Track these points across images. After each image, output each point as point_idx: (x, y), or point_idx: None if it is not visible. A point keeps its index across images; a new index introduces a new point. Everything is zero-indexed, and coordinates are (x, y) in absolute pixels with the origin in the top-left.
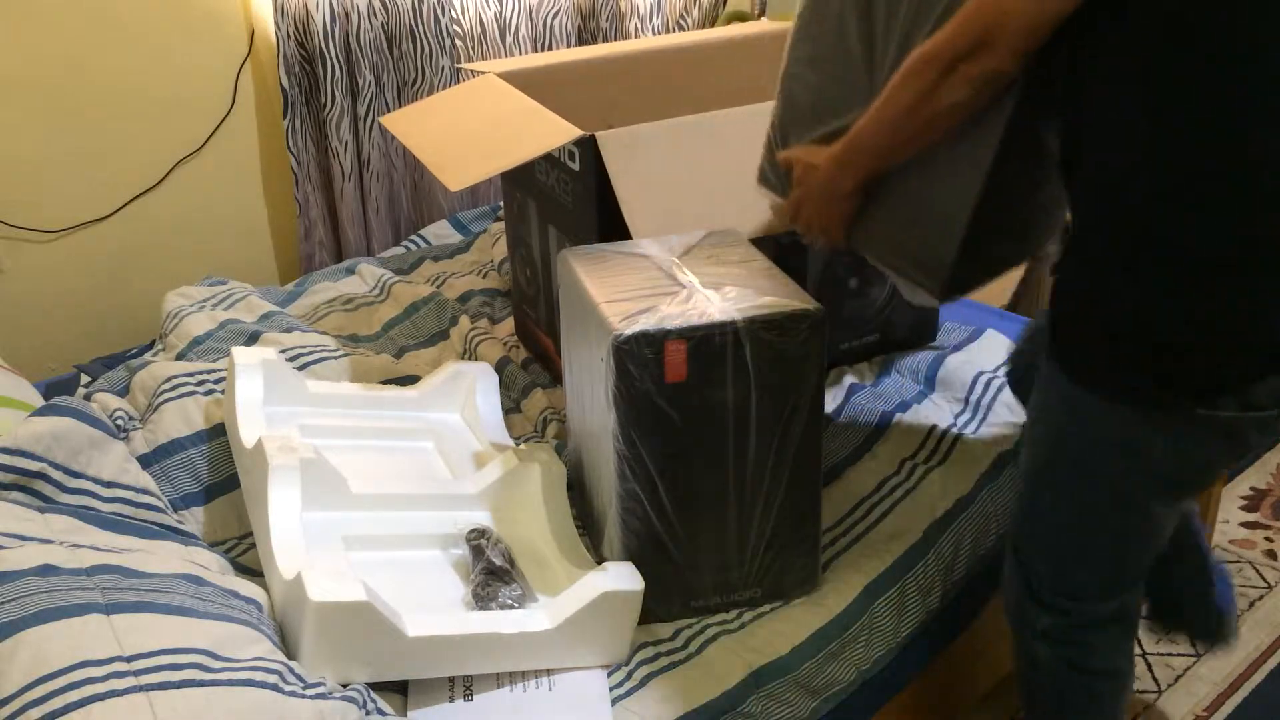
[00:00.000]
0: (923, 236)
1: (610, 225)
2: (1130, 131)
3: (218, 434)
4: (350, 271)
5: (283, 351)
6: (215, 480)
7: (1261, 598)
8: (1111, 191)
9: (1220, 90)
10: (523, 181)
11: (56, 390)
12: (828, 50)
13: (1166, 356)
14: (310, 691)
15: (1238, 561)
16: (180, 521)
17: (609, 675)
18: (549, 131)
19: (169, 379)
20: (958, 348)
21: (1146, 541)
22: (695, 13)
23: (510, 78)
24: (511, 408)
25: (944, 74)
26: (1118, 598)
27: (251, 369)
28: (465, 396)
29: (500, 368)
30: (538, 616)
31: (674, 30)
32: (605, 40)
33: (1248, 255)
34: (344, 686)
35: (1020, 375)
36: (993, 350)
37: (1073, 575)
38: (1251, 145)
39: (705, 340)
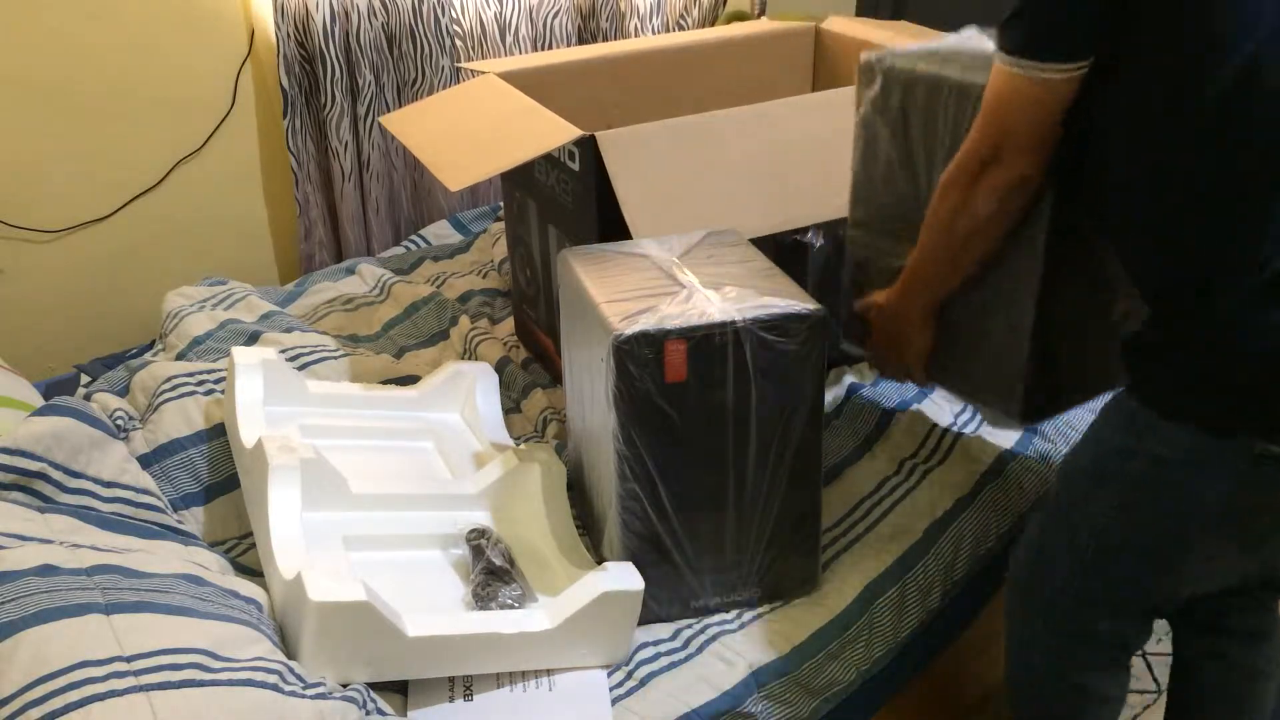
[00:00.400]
0: (988, 367)
1: (610, 225)
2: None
3: (218, 434)
4: (350, 271)
5: (283, 351)
6: (215, 480)
7: None
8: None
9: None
10: (523, 181)
11: (56, 390)
12: (879, 202)
13: (1230, 386)
14: (310, 691)
15: None
16: (180, 521)
17: (609, 675)
18: (549, 131)
19: (169, 379)
20: None
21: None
22: (695, 13)
23: (510, 78)
24: (511, 408)
25: (969, 189)
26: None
27: (251, 369)
28: (465, 396)
29: (500, 368)
30: (538, 616)
31: (674, 30)
32: (605, 40)
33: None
34: (344, 686)
35: None
36: None
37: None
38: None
39: (705, 340)
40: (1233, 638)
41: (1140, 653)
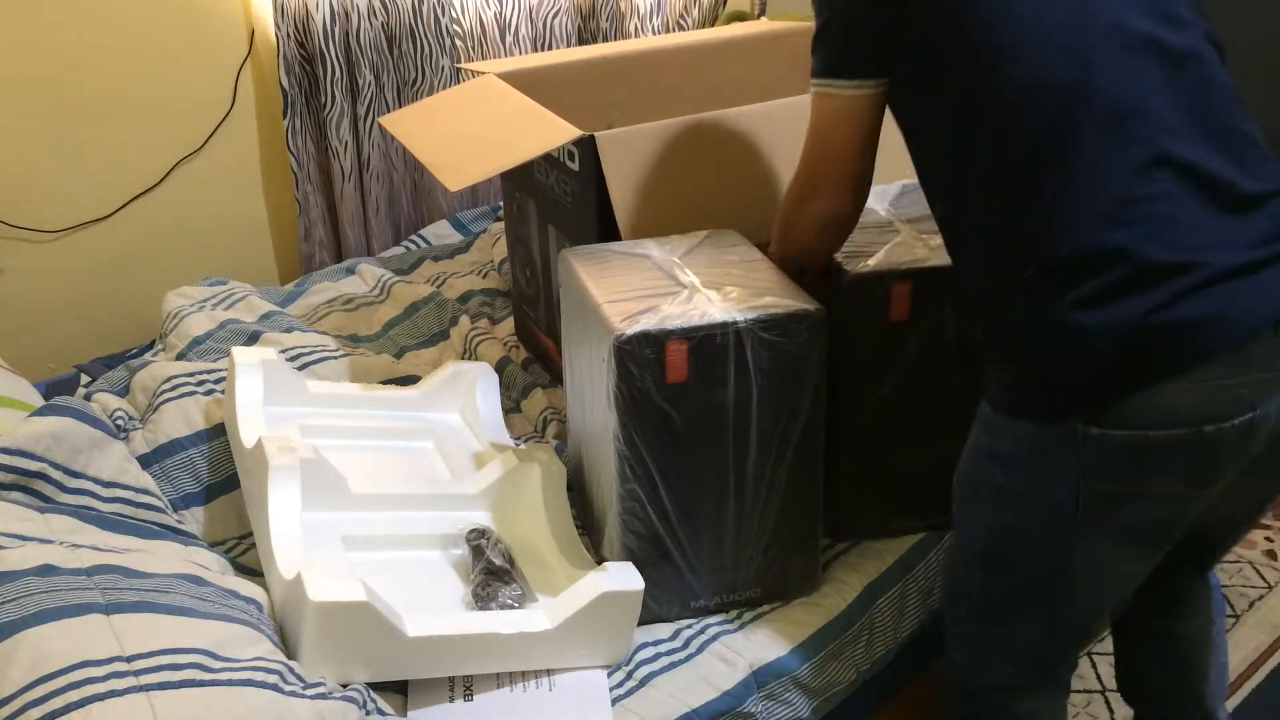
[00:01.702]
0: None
1: (610, 225)
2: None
3: (218, 434)
4: (350, 271)
5: (283, 351)
6: (215, 480)
7: (1261, 598)
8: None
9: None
10: (522, 181)
11: (56, 390)
12: None
13: (1046, 372)
14: (310, 691)
15: (1238, 561)
16: (180, 521)
17: (609, 675)
18: (549, 131)
19: (169, 379)
20: None
21: (1083, 602)
22: (695, 13)
23: (510, 78)
24: (511, 408)
25: (793, 217)
26: (1052, 673)
27: (251, 369)
28: (465, 396)
29: (500, 368)
30: (538, 616)
31: (674, 30)
32: (605, 40)
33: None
34: (344, 686)
35: None
36: None
37: (999, 660)
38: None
39: (706, 340)
40: (1167, 616)
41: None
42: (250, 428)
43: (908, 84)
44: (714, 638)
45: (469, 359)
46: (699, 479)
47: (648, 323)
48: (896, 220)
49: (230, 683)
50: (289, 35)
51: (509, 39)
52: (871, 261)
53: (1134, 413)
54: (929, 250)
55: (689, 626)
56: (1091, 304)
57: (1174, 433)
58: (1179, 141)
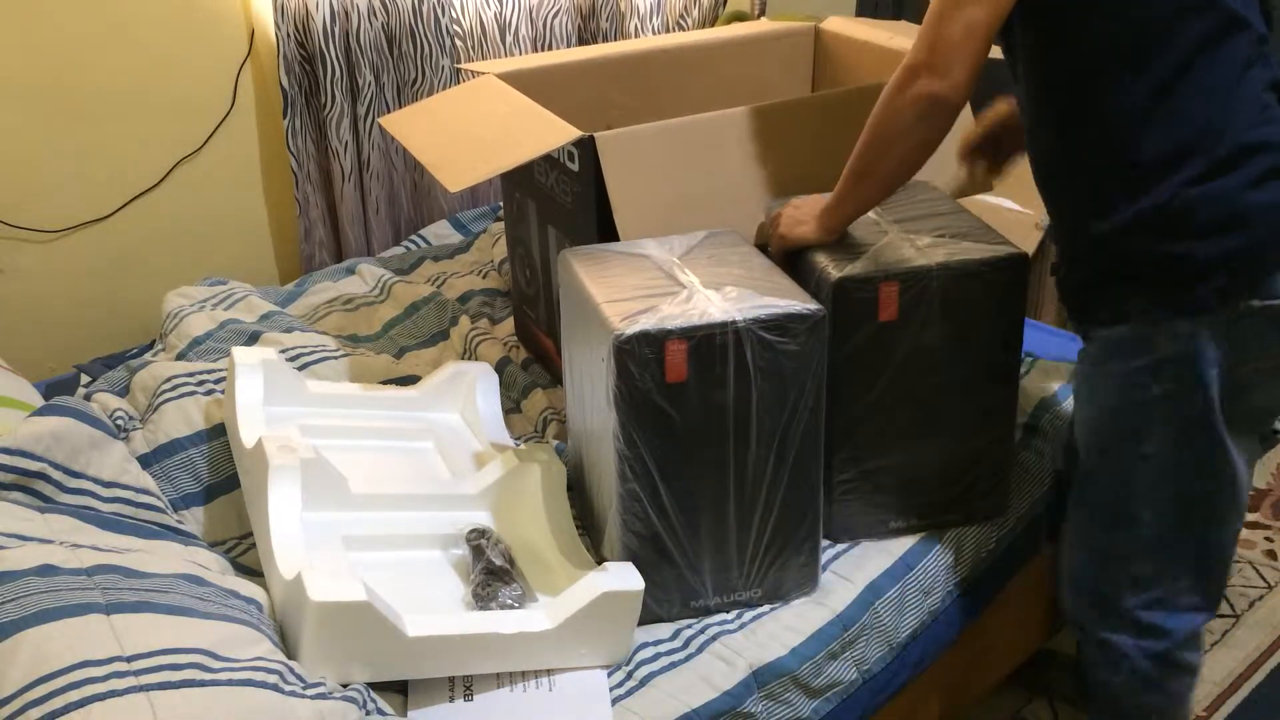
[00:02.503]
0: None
1: (610, 225)
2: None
3: (218, 434)
4: (350, 271)
5: (283, 351)
6: (215, 480)
7: (1261, 598)
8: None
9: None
10: (522, 182)
11: (56, 390)
12: None
13: (1214, 256)
14: (310, 691)
15: (1238, 561)
16: (180, 521)
17: (609, 675)
18: (549, 132)
19: (169, 379)
20: None
21: (1233, 493)
22: (695, 13)
23: (510, 78)
24: (511, 408)
25: (896, 96)
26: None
27: (252, 369)
28: (465, 396)
29: (500, 368)
30: (538, 616)
31: (674, 30)
32: (605, 40)
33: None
34: (344, 686)
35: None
36: None
37: (1170, 564)
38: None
39: (706, 340)
40: None
41: None
42: (250, 428)
43: None
44: (714, 638)
45: (469, 359)
46: (699, 479)
47: (647, 323)
48: (884, 221)
49: (230, 683)
50: (289, 35)
51: (509, 39)
52: (860, 263)
53: None
54: (916, 251)
55: (689, 626)
56: (1256, 185)
57: None
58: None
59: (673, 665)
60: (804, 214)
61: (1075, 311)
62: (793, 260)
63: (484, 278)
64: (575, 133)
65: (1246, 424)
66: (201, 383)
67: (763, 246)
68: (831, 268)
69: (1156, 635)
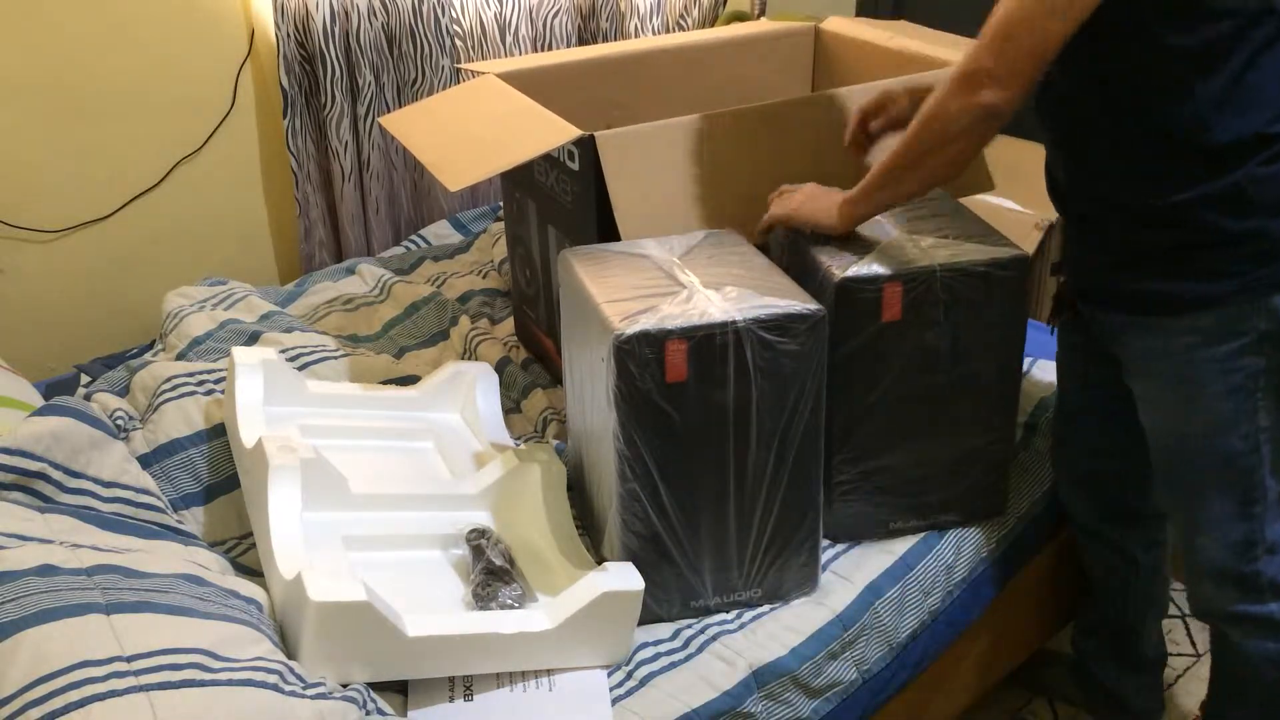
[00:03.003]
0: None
1: (610, 225)
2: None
3: (218, 434)
4: (350, 271)
5: (283, 351)
6: (215, 480)
7: None
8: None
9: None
10: (522, 181)
11: (56, 390)
12: None
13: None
14: (310, 691)
15: None
16: (180, 521)
17: (609, 675)
18: (549, 131)
19: (169, 379)
20: None
21: None
22: (695, 13)
23: (510, 78)
24: (511, 408)
25: (950, 100)
26: None
27: (252, 369)
28: (465, 396)
29: (500, 368)
30: (538, 616)
31: (674, 30)
32: (605, 40)
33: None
34: (344, 686)
35: None
36: None
37: None
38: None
39: (706, 340)
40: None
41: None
42: (250, 428)
43: None
44: (714, 638)
45: (469, 359)
46: (699, 479)
47: (647, 323)
48: (887, 221)
49: (230, 683)
50: (289, 35)
51: (509, 39)
52: (863, 263)
53: None
54: (920, 251)
55: (689, 626)
56: None
57: None
58: None
59: (673, 665)
60: (822, 202)
61: (1142, 310)
62: (797, 254)
63: (484, 278)
64: (575, 132)
65: None
66: (201, 383)
67: (764, 246)
68: (835, 267)
69: None
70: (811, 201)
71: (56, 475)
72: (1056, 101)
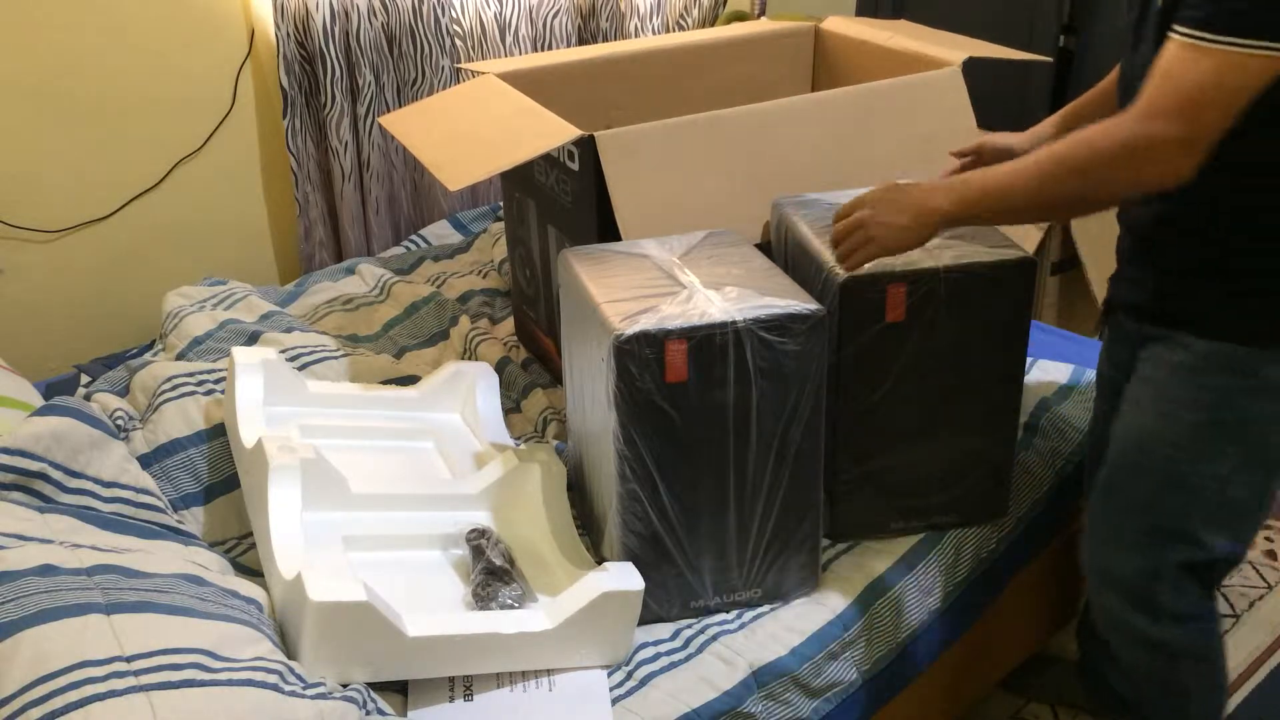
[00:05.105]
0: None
1: (610, 225)
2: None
3: (218, 434)
4: (350, 271)
5: (283, 351)
6: (215, 480)
7: (1262, 598)
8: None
9: None
10: (522, 182)
11: (56, 390)
12: None
13: None
14: (310, 691)
15: None
16: (180, 521)
17: (609, 675)
18: (549, 131)
19: (169, 379)
20: None
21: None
22: (695, 13)
23: (510, 78)
24: (511, 408)
25: (1118, 169)
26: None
27: (252, 369)
28: (465, 396)
29: (500, 368)
30: (538, 616)
31: (674, 30)
32: (605, 40)
33: None
34: (344, 686)
35: None
36: None
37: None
38: None
39: (706, 340)
40: None
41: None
42: (250, 428)
43: None
44: (714, 638)
45: (469, 359)
46: (699, 479)
47: (647, 323)
48: None
49: (230, 683)
50: (289, 35)
51: (509, 39)
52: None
53: None
54: (924, 252)
55: (689, 626)
56: None
57: None
58: None
59: (673, 665)
60: (913, 215)
61: (1165, 316)
62: (799, 254)
63: (484, 278)
64: (575, 132)
65: None
66: (201, 383)
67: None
68: (839, 268)
69: (1195, 619)
70: (899, 231)
71: (56, 475)
72: None
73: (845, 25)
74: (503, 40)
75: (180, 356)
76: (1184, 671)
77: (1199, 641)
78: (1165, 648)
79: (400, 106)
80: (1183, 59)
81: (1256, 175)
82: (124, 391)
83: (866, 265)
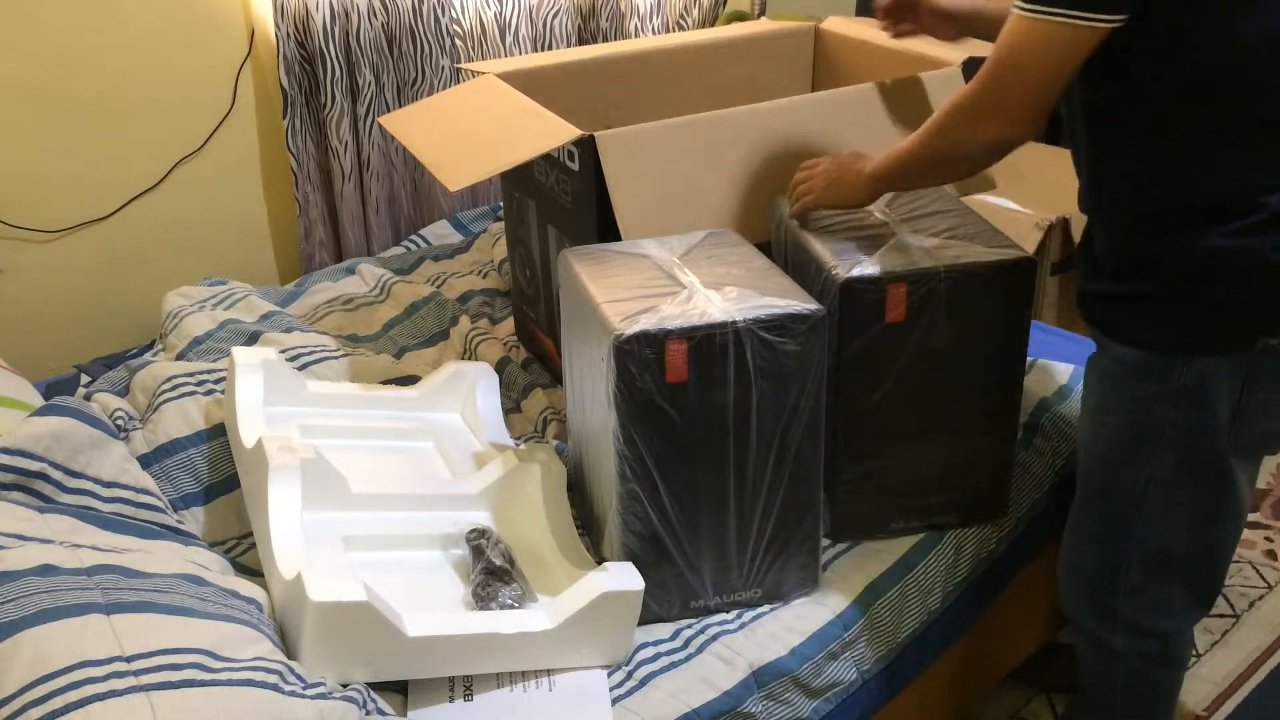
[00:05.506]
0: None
1: (610, 225)
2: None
3: (218, 434)
4: (350, 271)
5: (283, 351)
6: (215, 480)
7: (1262, 598)
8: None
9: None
10: (522, 181)
11: (56, 390)
12: None
13: (1228, 297)
14: (310, 691)
15: (1238, 561)
16: (180, 521)
17: (609, 675)
18: (549, 131)
19: (169, 379)
20: None
21: (1234, 511)
22: (695, 13)
23: (510, 78)
24: (511, 408)
25: (961, 132)
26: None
27: (251, 369)
28: (465, 396)
29: (500, 368)
30: (538, 616)
31: (674, 30)
32: (605, 40)
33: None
34: (344, 686)
35: None
36: None
37: (1168, 568)
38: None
39: (706, 340)
40: None
41: None
42: (250, 428)
43: (1150, 21)
44: (714, 638)
45: (469, 359)
46: (699, 479)
47: (647, 323)
48: (892, 221)
49: (230, 683)
50: (289, 35)
51: (509, 39)
52: (867, 263)
53: None
54: (924, 252)
55: (689, 626)
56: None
57: None
58: None
59: (673, 665)
60: (847, 180)
61: (1094, 321)
62: (799, 254)
63: (484, 278)
64: (575, 132)
65: (1252, 447)
66: (201, 383)
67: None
68: (839, 268)
69: (1151, 636)
70: (836, 186)
71: (56, 475)
72: (1072, 122)
73: (845, 25)
74: (503, 40)
75: (180, 356)
76: (1119, 675)
77: (1140, 661)
78: (1107, 646)
79: (400, 106)
80: (1006, 29)
81: (1152, 184)
82: (124, 391)
83: (859, 269)
